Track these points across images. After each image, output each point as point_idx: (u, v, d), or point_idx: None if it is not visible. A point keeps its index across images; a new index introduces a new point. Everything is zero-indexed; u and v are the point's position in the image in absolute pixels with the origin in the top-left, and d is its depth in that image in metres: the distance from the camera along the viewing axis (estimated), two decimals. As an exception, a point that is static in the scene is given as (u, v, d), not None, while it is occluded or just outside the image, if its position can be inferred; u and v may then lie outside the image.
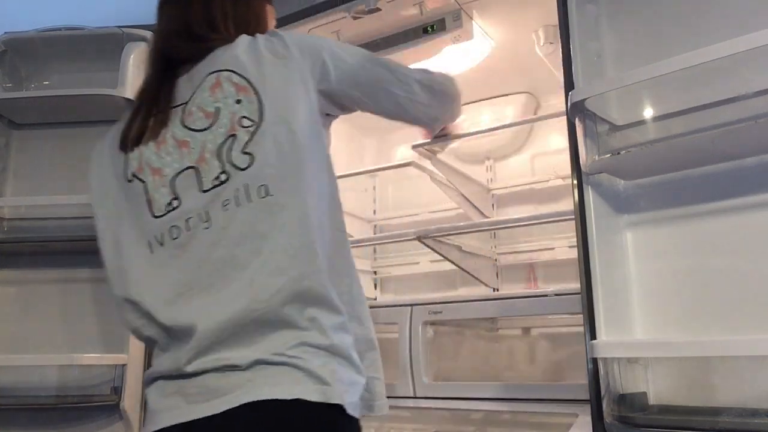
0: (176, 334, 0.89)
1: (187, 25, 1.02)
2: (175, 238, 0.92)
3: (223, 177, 0.90)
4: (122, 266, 0.95)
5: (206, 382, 0.85)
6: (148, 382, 0.93)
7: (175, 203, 0.93)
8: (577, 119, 1.12)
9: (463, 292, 1.90)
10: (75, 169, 1.72)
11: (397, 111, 1.19)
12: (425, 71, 1.20)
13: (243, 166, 0.90)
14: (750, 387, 0.97)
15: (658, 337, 1.09)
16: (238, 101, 0.92)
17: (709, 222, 1.09)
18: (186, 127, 0.94)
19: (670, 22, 1.17)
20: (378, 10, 1.49)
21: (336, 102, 1.04)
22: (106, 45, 1.69)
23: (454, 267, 1.70)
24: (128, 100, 1.60)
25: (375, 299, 2.05)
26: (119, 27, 1.68)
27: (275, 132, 0.91)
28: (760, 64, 0.98)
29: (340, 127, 2.18)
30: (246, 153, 0.90)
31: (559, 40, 1.22)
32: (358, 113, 1.15)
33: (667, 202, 1.14)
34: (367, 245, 1.99)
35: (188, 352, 0.86)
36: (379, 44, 1.59)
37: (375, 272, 2.08)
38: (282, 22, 1.60)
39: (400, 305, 1.48)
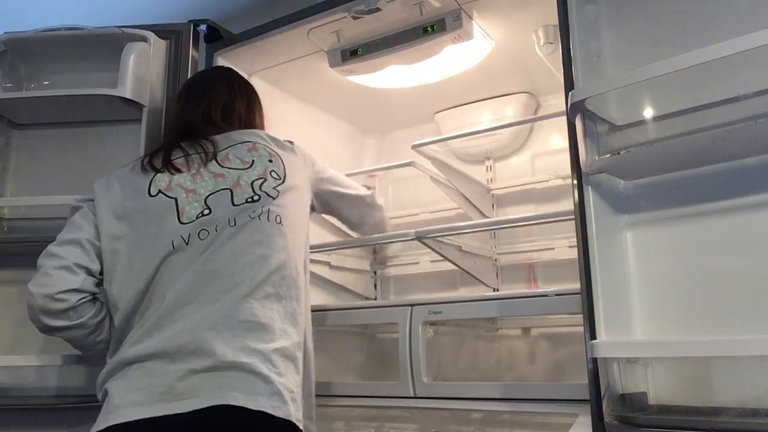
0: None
1: (209, 115, 1.33)
2: (203, 239, 1.12)
3: (255, 197, 1.17)
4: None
5: (174, 382, 0.98)
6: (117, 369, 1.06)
7: (206, 212, 1.15)
8: (577, 119, 1.12)
9: (463, 292, 1.90)
10: (75, 169, 1.72)
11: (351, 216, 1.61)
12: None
13: (273, 196, 1.19)
14: (750, 387, 0.97)
15: (658, 337, 1.09)
16: (270, 161, 1.24)
17: (709, 222, 1.09)
18: (222, 166, 1.21)
19: (670, 22, 1.16)
20: (378, 10, 1.49)
21: (325, 202, 1.46)
22: (106, 45, 1.68)
23: (454, 267, 1.70)
24: (128, 100, 1.59)
25: (375, 299, 2.05)
26: (119, 27, 1.68)
27: (292, 190, 1.23)
28: (760, 64, 0.98)
29: (341, 126, 2.19)
30: (275, 190, 1.20)
31: (559, 40, 1.22)
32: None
33: (667, 202, 1.14)
34: (367, 245, 1.99)
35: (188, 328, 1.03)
36: (379, 44, 1.59)
37: (375, 272, 2.08)
38: (282, 22, 1.61)
39: (400, 305, 1.48)
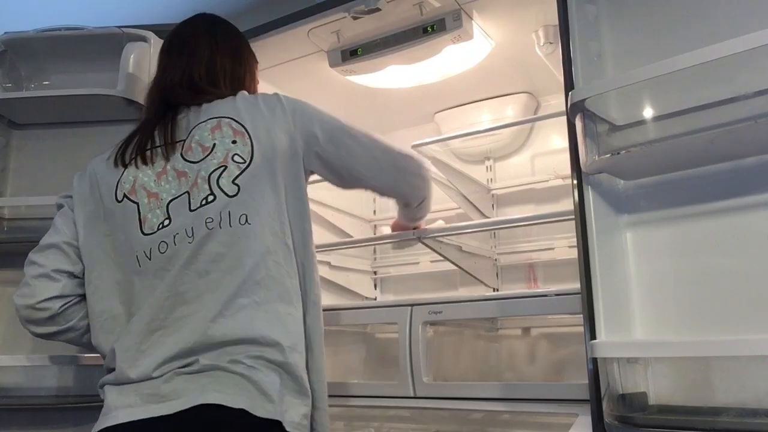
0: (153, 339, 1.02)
1: (190, 76, 1.18)
2: (163, 252, 1.04)
3: (210, 198, 1.05)
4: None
5: (162, 384, 0.96)
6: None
7: (166, 222, 1.06)
8: (577, 119, 1.12)
9: (463, 292, 1.90)
10: (75, 169, 1.69)
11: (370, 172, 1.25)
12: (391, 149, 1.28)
13: (231, 194, 1.05)
14: (750, 387, 0.97)
15: (658, 337, 1.09)
16: (234, 142, 1.08)
17: (709, 222, 1.09)
18: (186, 160, 1.09)
19: (670, 22, 1.16)
20: (378, 10, 1.49)
21: (325, 162, 1.17)
22: (106, 45, 1.69)
23: (454, 267, 1.70)
24: (128, 100, 1.59)
25: (375, 299, 2.06)
26: (119, 27, 1.68)
27: (261, 173, 1.07)
28: (760, 64, 0.98)
29: (340, 127, 2.18)
30: (235, 183, 1.06)
31: (559, 40, 1.22)
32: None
33: (667, 202, 1.14)
34: (367, 245, 1.99)
35: (158, 358, 0.98)
36: (379, 44, 1.59)
37: (375, 272, 2.08)
38: (282, 22, 1.61)
39: (400, 305, 1.48)
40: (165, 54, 1.25)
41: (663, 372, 1.06)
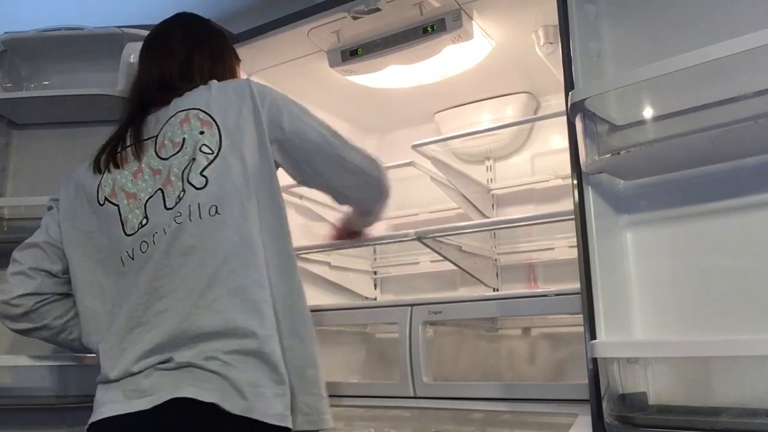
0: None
1: (162, 76, 1.19)
2: (144, 252, 1.05)
3: (181, 195, 1.05)
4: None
5: (142, 380, 0.98)
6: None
7: (144, 221, 1.07)
8: (577, 119, 1.12)
9: (463, 292, 1.90)
10: (75, 169, 1.71)
11: (332, 175, 1.23)
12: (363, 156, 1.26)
13: (199, 186, 1.05)
14: (750, 387, 0.97)
15: (658, 337, 1.09)
16: (201, 132, 1.08)
17: (709, 222, 1.09)
18: (160, 157, 1.09)
19: (670, 21, 1.16)
20: (378, 10, 1.49)
21: (287, 153, 1.15)
22: (106, 45, 1.69)
23: (454, 267, 1.70)
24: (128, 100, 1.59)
25: (375, 299, 2.05)
26: (119, 27, 1.68)
27: (230, 162, 1.06)
28: (760, 64, 0.98)
29: (341, 126, 2.17)
30: (203, 175, 1.05)
31: (559, 40, 1.22)
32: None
33: (667, 202, 1.14)
34: (367, 245, 1.99)
35: (136, 352, 1.00)
36: (379, 44, 1.59)
37: (375, 272, 2.08)
38: (282, 22, 1.61)
39: (400, 305, 1.48)
40: (142, 56, 1.25)
41: (663, 372, 1.06)
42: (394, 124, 2.17)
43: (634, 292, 1.12)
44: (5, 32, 1.72)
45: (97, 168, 1.14)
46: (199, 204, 1.04)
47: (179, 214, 1.03)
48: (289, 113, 1.15)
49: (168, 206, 1.05)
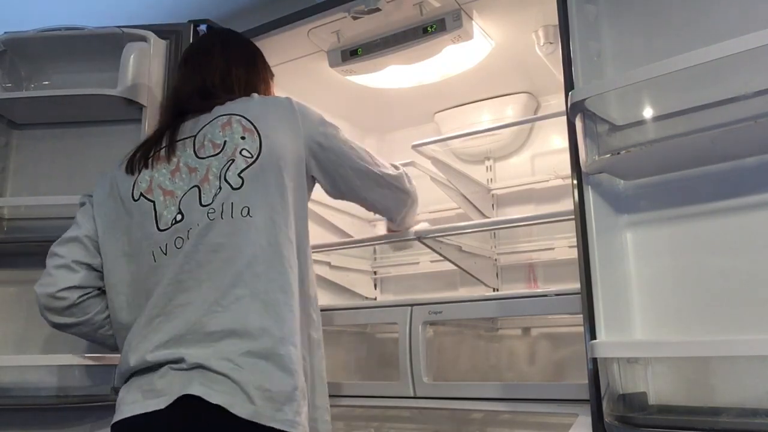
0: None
1: (204, 84, 1.24)
2: (179, 248, 1.07)
3: (217, 192, 1.08)
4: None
5: (157, 380, 0.99)
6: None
7: (179, 217, 1.09)
8: (577, 119, 1.12)
9: (463, 292, 1.90)
10: (75, 169, 1.71)
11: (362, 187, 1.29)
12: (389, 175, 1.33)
13: (235, 186, 1.08)
14: (750, 387, 0.97)
15: (658, 337, 1.09)
16: (243, 138, 1.12)
17: (709, 222, 1.09)
18: (198, 156, 1.13)
19: (671, 21, 1.16)
20: (378, 10, 1.49)
21: (325, 169, 1.21)
22: (106, 45, 1.68)
23: (454, 267, 1.70)
24: (128, 100, 1.59)
25: (375, 299, 2.06)
26: (119, 27, 1.68)
27: (267, 169, 1.10)
28: (759, 64, 0.98)
29: (341, 126, 2.17)
30: (240, 177, 1.09)
31: (559, 40, 1.22)
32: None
33: (667, 202, 1.14)
34: (367, 245, 1.99)
35: (153, 342, 1.02)
36: (379, 44, 1.59)
37: (375, 272, 2.08)
38: (282, 22, 1.61)
39: (400, 305, 1.48)
40: (181, 67, 1.32)
41: (663, 372, 1.06)
42: (394, 124, 2.17)
43: (634, 292, 1.12)
44: (5, 32, 1.72)
45: (131, 167, 1.17)
46: (232, 203, 1.07)
47: (213, 211, 1.07)
48: (325, 132, 1.21)
49: (204, 203, 1.08)
